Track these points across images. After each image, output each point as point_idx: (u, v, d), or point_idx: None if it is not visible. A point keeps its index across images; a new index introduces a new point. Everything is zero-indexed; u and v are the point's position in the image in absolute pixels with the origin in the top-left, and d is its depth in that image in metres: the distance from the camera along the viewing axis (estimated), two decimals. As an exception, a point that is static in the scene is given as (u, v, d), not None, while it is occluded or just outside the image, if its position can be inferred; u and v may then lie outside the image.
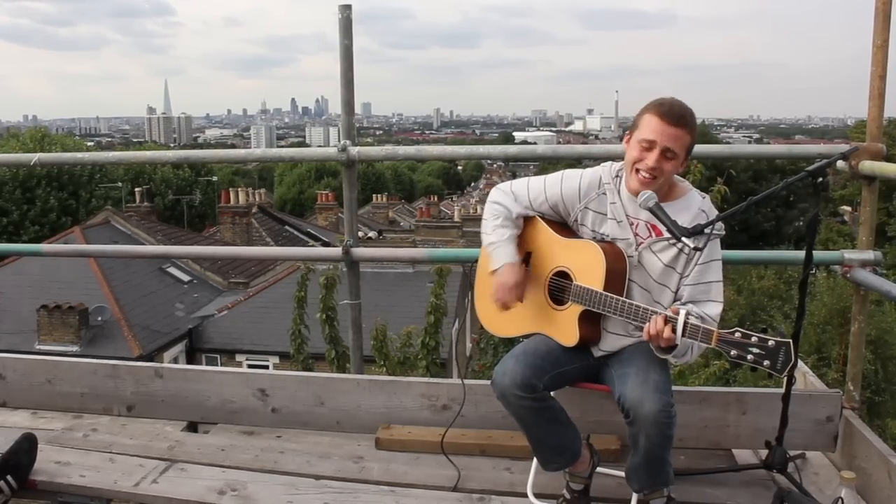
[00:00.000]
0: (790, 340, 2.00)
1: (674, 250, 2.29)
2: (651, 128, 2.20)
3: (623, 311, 2.23)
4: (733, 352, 2.02)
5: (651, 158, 2.20)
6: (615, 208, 2.34)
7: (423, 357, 6.11)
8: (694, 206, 2.31)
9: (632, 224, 2.33)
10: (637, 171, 2.24)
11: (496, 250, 2.44)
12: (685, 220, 2.22)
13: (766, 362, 1.99)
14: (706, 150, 4.04)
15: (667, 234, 2.26)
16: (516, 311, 2.49)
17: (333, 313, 5.76)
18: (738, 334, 2.02)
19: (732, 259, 3.26)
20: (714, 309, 2.25)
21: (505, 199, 2.48)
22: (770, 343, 1.99)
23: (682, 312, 2.10)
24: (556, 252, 2.42)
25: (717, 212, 2.33)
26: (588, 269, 2.31)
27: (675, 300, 2.31)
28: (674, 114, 2.19)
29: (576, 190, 2.40)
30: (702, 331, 2.07)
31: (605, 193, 2.37)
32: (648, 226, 2.31)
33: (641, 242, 2.32)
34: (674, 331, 2.09)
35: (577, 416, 2.53)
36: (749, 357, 2.00)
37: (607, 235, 2.35)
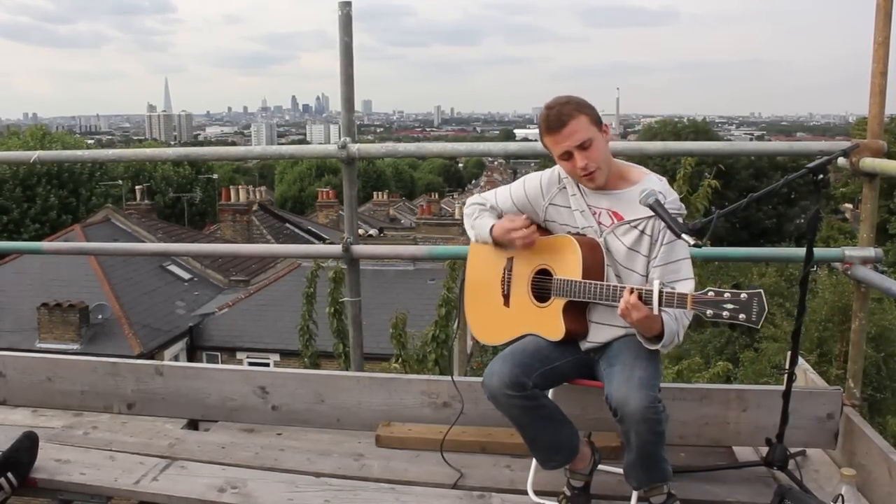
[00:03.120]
0: (761, 290, 2.03)
1: (635, 232, 2.34)
2: (554, 143, 2.32)
3: (601, 294, 2.27)
4: (709, 311, 2.05)
5: (578, 161, 2.29)
6: (576, 199, 2.43)
7: (432, 350, 6.11)
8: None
9: (594, 213, 2.40)
10: (581, 178, 2.34)
11: (479, 232, 2.52)
12: (640, 208, 2.26)
13: (741, 316, 2.02)
14: (708, 147, 4.04)
15: (629, 219, 2.33)
16: (503, 318, 2.53)
17: (342, 307, 5.77)
18: (710, 293, 2.06)
19: (733, 256, 3.27)
20: (688, 286, 2.26)
21: (478, 200, 2.61)
22: (742, 296, 2.02)
23: (656, 283, 2.13)
24: (535, 252, 2.46)
25: (673, 193, 2.36)
26: (565, 261, 2.37)
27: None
28: (555, 120, 2.29)
29: (538, 188, 2.50)
30: (676, 296, 2.12)
31: (565, 188, 2.46)
32: (610, 213, 2.38)
33: (605, 229, 2.38)
34: (641, 299, 2.13)
35: (576, 413, 2.53)
36: (724, 314, 2.03)
37: (578, 227, 2.41)
